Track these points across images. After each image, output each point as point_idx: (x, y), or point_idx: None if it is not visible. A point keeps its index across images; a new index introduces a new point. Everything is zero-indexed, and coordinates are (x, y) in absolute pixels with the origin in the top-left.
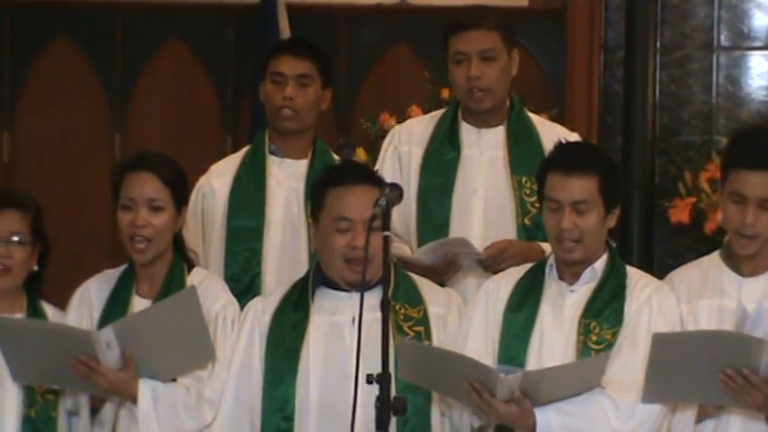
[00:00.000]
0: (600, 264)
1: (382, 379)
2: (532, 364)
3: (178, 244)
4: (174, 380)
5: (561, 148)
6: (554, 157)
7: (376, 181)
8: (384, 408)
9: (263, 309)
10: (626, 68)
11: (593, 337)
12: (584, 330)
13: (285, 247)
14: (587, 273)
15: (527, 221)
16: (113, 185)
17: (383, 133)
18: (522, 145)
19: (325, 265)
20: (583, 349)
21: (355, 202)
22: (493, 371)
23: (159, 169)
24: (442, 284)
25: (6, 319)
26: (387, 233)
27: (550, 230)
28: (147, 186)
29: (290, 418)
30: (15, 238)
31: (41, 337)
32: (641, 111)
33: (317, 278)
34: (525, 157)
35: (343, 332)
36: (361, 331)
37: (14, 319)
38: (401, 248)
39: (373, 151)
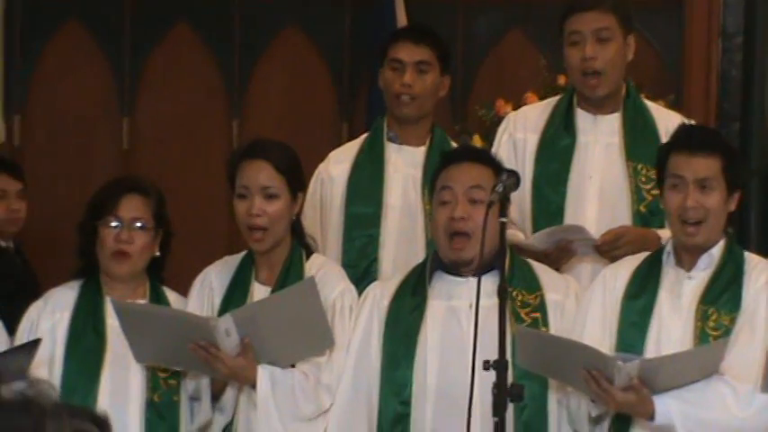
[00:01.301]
0: (717, 250)
1: (499, 365)
2: (650, 351)
3: (296, 230)
4: (292, 366)
5: (685, 128)
6: (679, 138)
7: (487, 160)
8: (501, 394)
9: (381, 293)
10: (745, 54)
11: (711, 324)
12: (701, 317)
13: (402, 234)
14: (705, 259)
15: (642, 209)
16: (229, 174)
17: (499, 120)
18: (637, 132)
19: (437, 247)
20: (701, 336)
21: (458, 174)
22: (611, 359)
23: (273, 157)
24: (557, 270)
25: (129, 304)
26: (503, 219)
27: (673, 210)
28: (261, 174)
29: (407, 403)
30: (138, 224)
31: (163, 322)
32: (760, 96)
33: (434, 263)
34: (641, 144)
35: (460, 317)
36: (478, 317)
37: (137, 304)
38: (515, 234)
39: (489, 138)
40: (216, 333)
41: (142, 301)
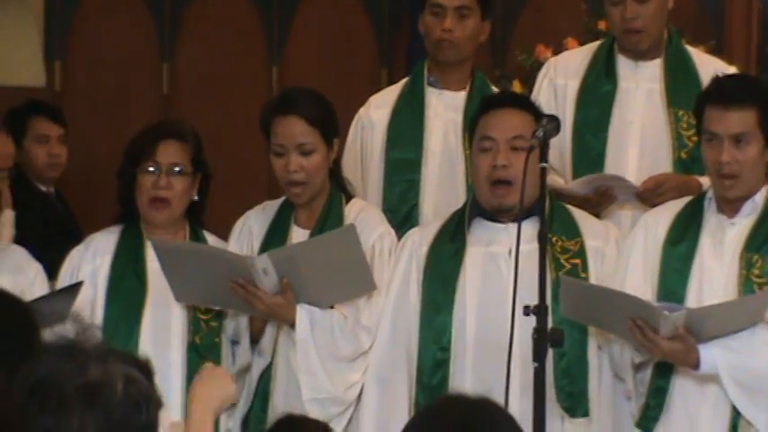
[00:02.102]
0: (760, 196)
1: (539, 310)
2: (692, 298)
3: (335, 175)
4: (331, 308)
5: (718, 81)
6: (711, 91)
7: (527, 106)
8: (541, 339)
9: (420, 240)
10: None
11: (756, 271)
12: (746, 264)
13: (443, 179)
14: (748, 205)
15: (684, 155)
16: (263, 127)
17: (539, 65)
18: (679, 78)
19: (477, 194)
20: (745, 284)
21: (499, 122)
22: (657, 309)
23: (305, 110)
24: (597, 216)
25: (168, 242)
26: (544, 164)
27: (709, 164)
28: (295, 131)
29: (446, 348)
30: (176, 169)
31: (202, 260)
32: None
33: (473, 209)
34: (682, 91)
35: (499, 263)
36: (518, 262)
37: (177, 242)
38: (555, 180)
39: (529, 83)
40: (253, 271)
41: None
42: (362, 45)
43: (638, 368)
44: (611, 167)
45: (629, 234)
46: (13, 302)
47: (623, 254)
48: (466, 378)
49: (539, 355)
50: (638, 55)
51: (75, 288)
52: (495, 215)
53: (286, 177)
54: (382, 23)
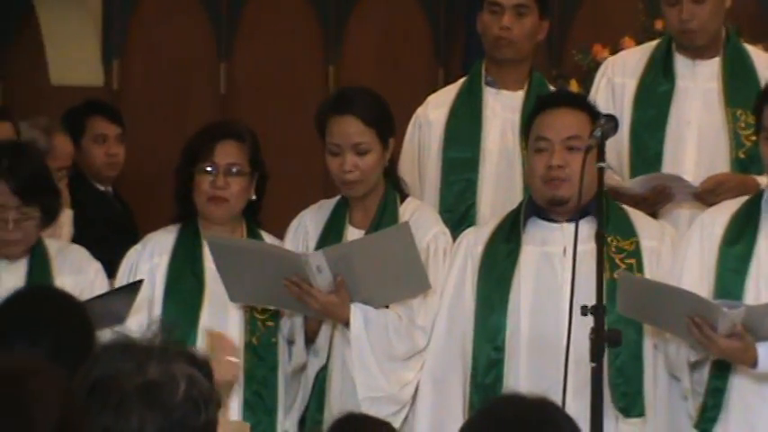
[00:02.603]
0: None
1: (597, 310)
2: (750, 297)
3: (390, 174)
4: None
5: None
6: None
7: (583, 105)
8: (599, 339)
9: (475, 239)
10: None
11: None
12: None
13: (500, 178)
14: None
15: (741, 155)
16: (318, 127)
17: (595, 65)
18: (737, 77)
19: (532, 192)
20: None
21: (555, 122)
22: (715, 306)
23: (360, 110)
24: (654, 215)
25: (223, 239)
26: (601, 164)
27: (766, 163)
28: (350, 131)
29: (500, 348)
30: (234, 170)
31: (255, 256)
32: None
33: (529, 209)
34: (741, 90)
35: (553, 263)
36: (576, 262)
37: (231, 239)
38: (612, 177)
39: (585, 83)
40: (308, 269)
41: None
42: (419, 44)
43: (694, 367)
44: (668, 167)
45: (686, 233)
46: (70, 302)
47: (679, 253)
48: (519, 377)
49: (596, 356)
50: (696, 54)
51: (135, 286)
52: (550, 212)
53: (341, 177)
54: (438, 22)
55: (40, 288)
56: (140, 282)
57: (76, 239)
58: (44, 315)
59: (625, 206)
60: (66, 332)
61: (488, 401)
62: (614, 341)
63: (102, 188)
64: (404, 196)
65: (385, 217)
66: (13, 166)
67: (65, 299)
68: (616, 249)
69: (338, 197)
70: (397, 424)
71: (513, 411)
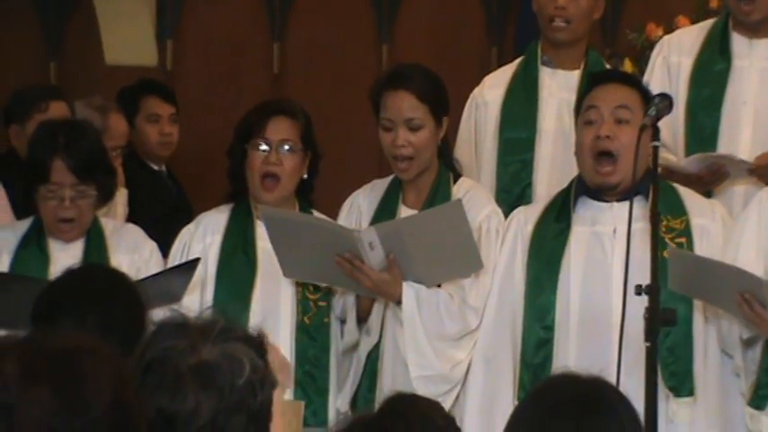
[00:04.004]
0: None
1: (651, 289)
2: None
3: (444, 154)
4: (438, 287)
5: None
6: None
7: (634, 83)
8: (654, 319)
9: (525, 219)
10: None
11: None
12: None
13: (556, 158)
14: None
15: None
16: (373, 102)
17: (650, 44)
18: None
19: (580, 169)
20: None
21: (605, 94)
22: (764, 282)
23: (415, 86)
24: (708, 194)
25: (278, 212)
26: (656, 143)
27: None
28: (404, 105)
29: (550, 328)
30: (286, 147)
31: (309, 231)
32: None
33: (579, 188)
34: None
35: (603, 243)
36: (630, 241)
37: (286, 211)
38: (666, 157)
39: (639, 62)
40: (360, 246)
41: None
42: (471, 23)
43: (747, 344)
44: (724, 146)
45: (743, 210)
46: (120, 280)
47: (736, 230)
48: (569, 357)
49: (651, 335)
50: (753, 32)
51: (191, 265)
52: (600, 193)
53: (393, 152)
54: (492, 2)
55: (90, 266)
56: (197, 260)
57: (130, 219)
58: (93, 292)
59: (675, 185)
60: (115, 310)
61: (542, 381)
62: (669, 320)
63: (155, 168)
64: (457, 176)
65: (438, 197)
66: (69, 144)
67: (115, 276)
68: (666, 228)
69: (391, 177)
70: (448, 403)
71: (568, 391)
